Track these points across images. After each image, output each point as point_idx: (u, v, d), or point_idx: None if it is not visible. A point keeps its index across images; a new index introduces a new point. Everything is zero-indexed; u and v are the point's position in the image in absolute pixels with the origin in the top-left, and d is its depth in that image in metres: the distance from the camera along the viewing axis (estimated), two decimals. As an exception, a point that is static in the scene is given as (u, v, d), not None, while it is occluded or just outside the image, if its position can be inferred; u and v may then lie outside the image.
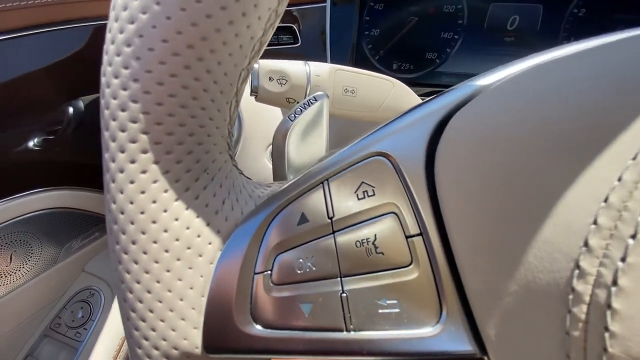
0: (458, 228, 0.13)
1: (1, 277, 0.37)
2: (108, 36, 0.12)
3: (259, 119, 0.45)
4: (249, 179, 0.17)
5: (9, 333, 0.40)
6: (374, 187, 0.14)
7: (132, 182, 0.13)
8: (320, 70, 0.28)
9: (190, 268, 0.13)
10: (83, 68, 0.43)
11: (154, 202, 0.13)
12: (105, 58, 0.13)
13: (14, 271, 0.38)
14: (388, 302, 0.13)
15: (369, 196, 0.14)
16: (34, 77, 0.39)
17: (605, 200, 0.10)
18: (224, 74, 0.14)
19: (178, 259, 0.13)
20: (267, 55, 0.61)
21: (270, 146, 0.48)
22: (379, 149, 0.15)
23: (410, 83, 0.51)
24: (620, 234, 0.10)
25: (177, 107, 0.13)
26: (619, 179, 0.10)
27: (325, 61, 0.53)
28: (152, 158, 0.13)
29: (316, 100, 0.23)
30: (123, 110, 0.12)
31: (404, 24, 0.50)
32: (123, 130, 0.13)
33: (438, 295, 0.13)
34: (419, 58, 0.50)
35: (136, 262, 0.13)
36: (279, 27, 0.58)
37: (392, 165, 0.15)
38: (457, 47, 0.49)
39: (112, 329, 0.41)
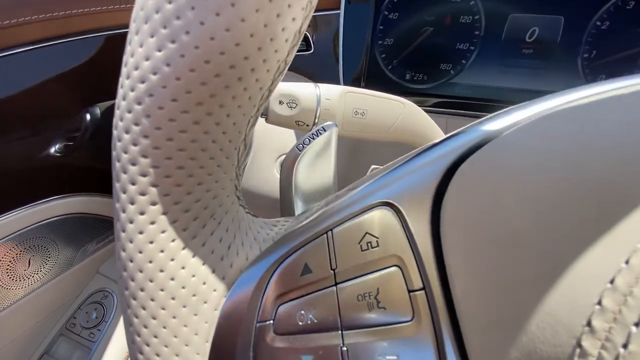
0: (462, 286, 0.13)
1: (20, 280, 0.39)
2: (120, 91, 0.13)
3: (270, 130, 0.45)
4: (255, 216, 0.17)
5: (28, 332, 0.42)
6: (377, 238, 0.14)
7: (141, 233, 0.13)
8: (330, 93, 0.28)
9: (195, 315, 0.14)
10: (98, 76, 0.44)
11: (162, 251, 0.13)
12: (117, 112, 0.13)
13: (32, 274, 0.40)
14: (388, 357, 0.13)
15: (372, 247, 0.14)
16: (52, 86, 0.41)
17: (612, 282, 0.10)
18: (233, 123, 0.14)
19: (184, 306, 0.14)
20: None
21: (281, 157, 0.48)
22: (383, 198, 0.15)
23: (423, 94, 0.50)
24: (624, 320, 0.10)
25: (186, 159, 0.13)
26: (627, 262, 0.10)
27: (337, 69, 0.53)
28: (161, 209, 0.13)
29: (325, 130, 0.23)
30: (133, 164, 0.13)
31: (418, 34, 0.49)
32: (133, 184, 0.13)
33: (439, 352, 0.13)
34: (433, 69, 0.49)
35: (144, 308, 0.13)
36: (291, 34, 0.57)
37: (397, 215, 0.14)
38: (473, 59, 0.48)
39: (123, 331, 0.43)
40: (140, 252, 0.13)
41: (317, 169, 0.23)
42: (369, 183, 0.16)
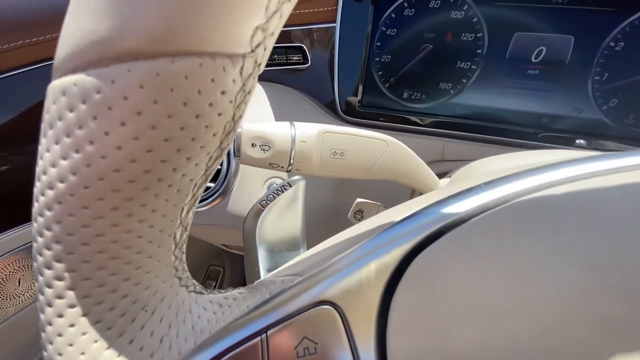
0: None
1: (11, 299, 0.40)
2: (34, 191, 0.12)
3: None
4: (202, 292, 0.17)
5: (20, 346, 0.43)
6: (316, 344, 0.13)
7: (60, 335, 0.12)
8: (306, 134, 0.26)
9: None
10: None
11: (83, 353, 0.13)
12: (33, 212, 0.12)
13: (23, 293, 0.41)
14: None
15: (309, 354, 0.13)
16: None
17: None
18: (162, 216, 0.13)
19: None
20: (276, 72, 0.59)
21: (270, 179, 0.47)
22: (327, 295, 0.14)
23: (421, 113, 0.48)
24: None
25: (107, 260, 0.12)
26: None
27: (334, 85, 0.51)
28: (81, 311, 0.12)
29: (290, 185, 0.22)
30: (48, 268, 0.12)
31: (417, 51, 0.46)
32: (49, 287, 0.12)
33: None
34: (432, 87, 0.47)
35: None
36: (288, 47, 0.56)
37: (340, 318, 0.13)
38: (474, 78, 0.45)
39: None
40: (60, 355, 0.13)
41: (283, 223, 0.22)
42: (312, 274, 0.14)
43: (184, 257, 0.16)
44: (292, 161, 0.26)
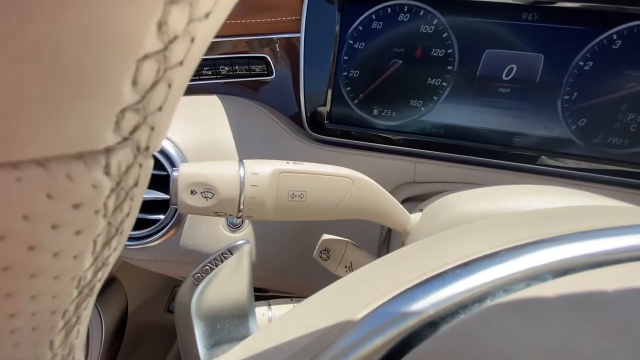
0: None
1: None
2: None
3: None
4: None
5: None
6: None
7: None
8: (258, 177, 0.23)
9: None
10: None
11: None
12: None
13: None
14: None
15: None
16: None
17: None
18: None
19: None
20: (238, 85, 0.54)
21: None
22: None
23: (392, 130, 0.46)
24: None
25: None
26: None
27: (300, 101, 0.48)
28: None
29: (231, 253, 0.18)
30: None
31: (386, 67, 0.44)
32: None
33: None
34: (402, 105, 0.45)
35: None
36: (251, 57, 0.52)
37: None
38: (445, 96, 0.43)
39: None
40: None
41: (226, 295, 0.19)
42: None
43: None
44: (241, 207, 0.23)
